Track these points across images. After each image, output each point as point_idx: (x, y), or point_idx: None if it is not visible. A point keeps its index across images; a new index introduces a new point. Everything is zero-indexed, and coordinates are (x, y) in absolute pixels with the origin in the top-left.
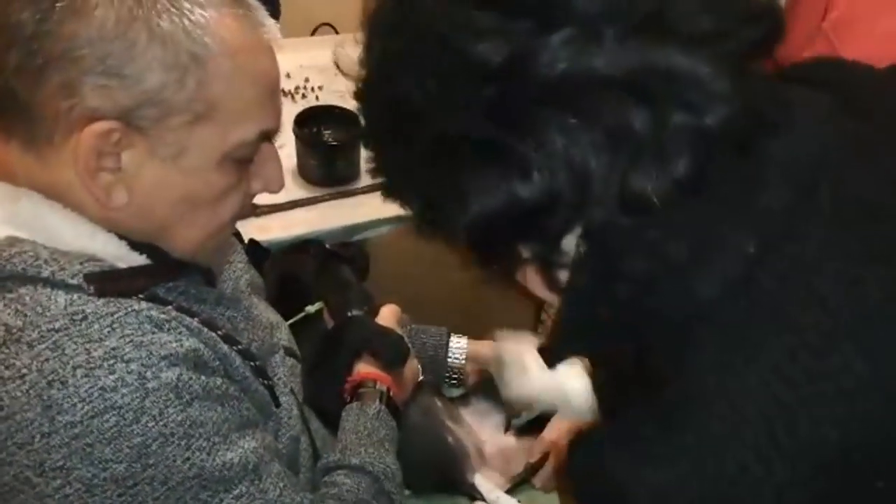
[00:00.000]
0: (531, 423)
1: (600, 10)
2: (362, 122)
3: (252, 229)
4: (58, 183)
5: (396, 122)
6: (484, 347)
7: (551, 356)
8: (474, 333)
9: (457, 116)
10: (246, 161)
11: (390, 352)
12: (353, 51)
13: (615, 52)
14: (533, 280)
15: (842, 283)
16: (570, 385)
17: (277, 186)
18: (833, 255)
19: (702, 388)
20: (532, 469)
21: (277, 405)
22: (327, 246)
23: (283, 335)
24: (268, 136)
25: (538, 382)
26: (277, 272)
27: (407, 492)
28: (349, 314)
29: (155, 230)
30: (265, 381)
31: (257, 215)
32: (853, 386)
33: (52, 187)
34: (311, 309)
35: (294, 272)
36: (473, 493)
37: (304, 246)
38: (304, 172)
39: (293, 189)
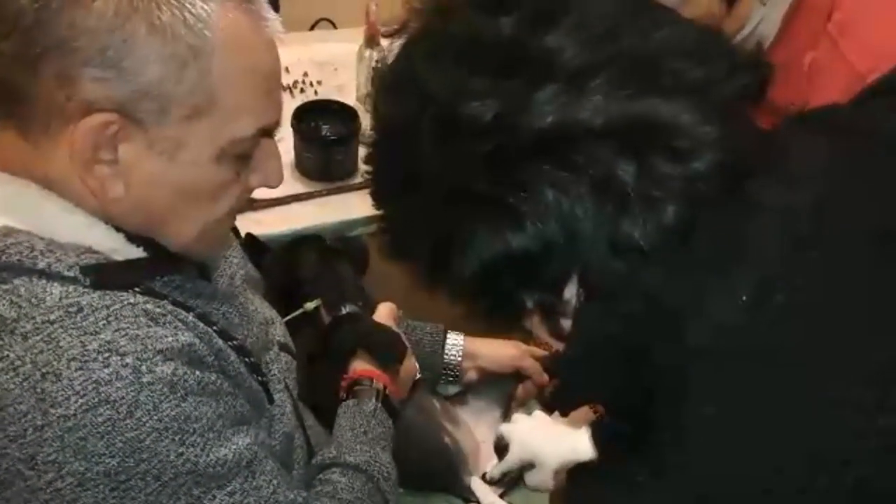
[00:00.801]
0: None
1: (585, 63)
2: (372, 181)
3: (249, 223)
4: (54, 173)
5: (401, 180)
6: (480, 345)
7: (561, 406)
8: (470, 330)
9: (456, 171)
10: (245, 156)
11: (387, 350)
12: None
13: (601, 104)
14: (539, 328)
15: (849, 326)
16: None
17: (277, 182)
18: (825, 306)
19: (692, 438)
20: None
21: (271, 402)
22: (327, 242)
23: (279, 331)
24: (268, 131)
25: (552, 474)
26: (277, 269)
27: (401, 491)
28: (343, 309)
29: (151, 223)
30: (259, 378)
31: (254, 209)
32: (855, 434)
33: (48, 178)
34: (309, 306)
35: (293, 270)
36: (469, 496)
37: (302, 242)
38: (301, 167)
39: (291, 183)
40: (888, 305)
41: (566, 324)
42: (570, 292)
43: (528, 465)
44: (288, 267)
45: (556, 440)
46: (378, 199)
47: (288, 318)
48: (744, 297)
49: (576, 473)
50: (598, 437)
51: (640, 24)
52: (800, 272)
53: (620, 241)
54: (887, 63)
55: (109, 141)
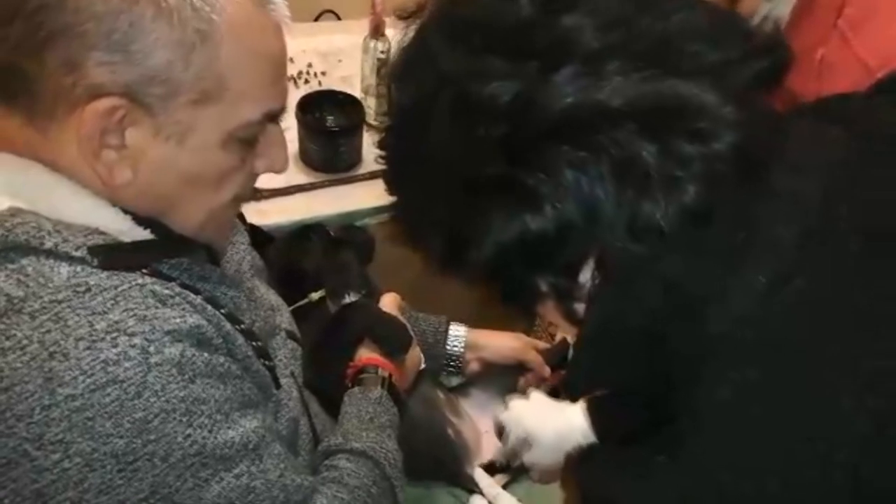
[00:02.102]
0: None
1: (603, 45)
2: (386, 166)
3: (253, 213)
4: (61, 159)
5: (417, 164)
6: (483, 336)
7: (572, 391)
8: (473, 322)
9: (472, 156)
10: (251, 141)
11: (393, 339)
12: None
13: (620, 85)
14: (552, 313)
15: (850, 322)
16: (578, 432)
17: (282, 167)
18: (843, 292)
19: (707, 423)
20: None
21: (278, 387)
22: (331, 232)
23: (285, 318)
24: (273, 116)
25: (549, 452)
26: (281, 260)
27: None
28: (348, 297)
29: (159, 208)
30: (266, 362)
31: (258, 199)
32: (865, 429)
33: (55, 163)
34: (314, 296)
35: (298, 260)
36: (472, 487)
37: (307, 232)
38: (306, 158)
39: (295, 174)
40: (884, 302)
41: (580, 308)
42: (586, 276)
43: (527, 444)
44: (292, 257)
45: (551, 416)
46: (391, 185)
47: (293, 307)
48: (762, 281)
49: (584, 457)
50: (597, 414)
51: (656, 7)
52: (810, 263)
53: (640, 224)
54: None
55: (116, 126)
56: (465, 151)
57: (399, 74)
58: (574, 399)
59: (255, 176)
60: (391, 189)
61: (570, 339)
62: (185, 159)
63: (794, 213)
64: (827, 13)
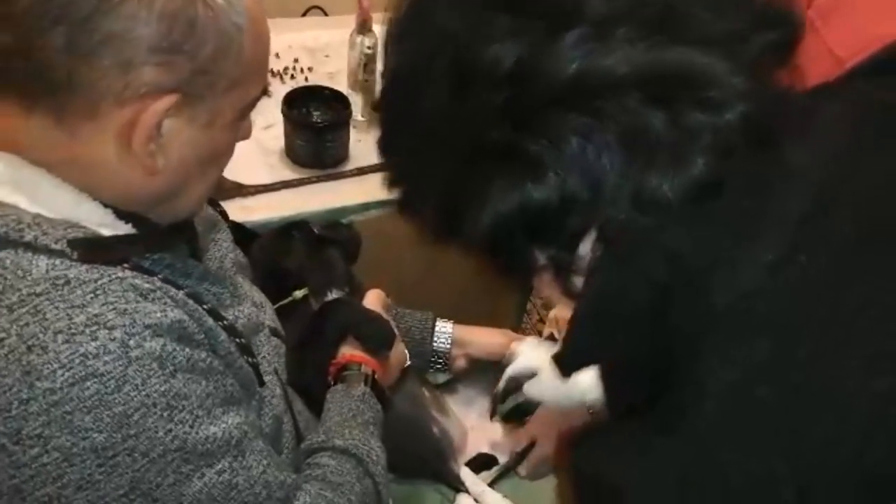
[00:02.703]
0: (516, 409)
1: (611, 11)
2: (381, 130)
3: (239, 210)
4: (84, 155)
5: (413, 129)
6: (469, 333)
7: (565, 366)
8: (459, 318)
9: (473, 120)
10: (245, 117)
11: (376, 336)
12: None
13: (628, 52)
14: (549, 286)
15: (854, 303)
16: (583, 384)
17: (250, 134)
18: (849, 272)
19: (712, 403)
20: (518, 457)
21: (261, 384)
22: (315, 230)
23: (268, 315)
24: (265, 91)
25: (552, 387)
26: (265, 258)
27: (390, 476)
28: (329, 294)
29: (172, 191)
30: (249, 359)
31: (243, 196)
32: (863, 407)
33: (72, 158)
34: (298, 294)
35: (281, 259)
36: (458, 485)
37: (290, 232)
38: (292, 153)
39: (281, 170)
40: (883, 291)
41: (578, 282)
42: (586, 248)
43: (530, 375)
44: (275, 255)
45: None
46: (386, 149)
47: (277, 305)
48: (769, 256)
49: (578, 437)
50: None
51: None
52: (813, 241)
53: (646, 195)
54: (866, 50)
55: (164, 118)
56: (465, 117)
57: (395, 33)
58: (567, 374)
59: None
60: (386, 154)
61: (562, 315)
62: (207, 141)
63: (804, 189)
64: (797, 2)
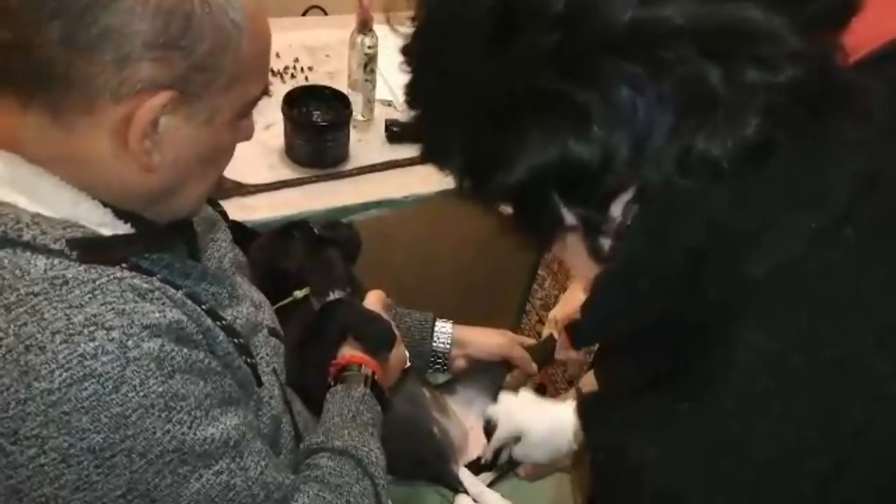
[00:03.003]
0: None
1: None
2: (409, 78)
3: (238, 209)
4: (80, 151)
5: (448, 73)
6: (469, 333)
7: (580, 336)
8: (459, 319)
9: (516, 65)
10: (246, 116)
11: (377, 337)
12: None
13: (686, 2)
14: (573, 247)
15: (889, 287)
16: (569, 432)
17: (252, 135)
18: (890, 250)
19: (742, 371)
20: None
21: (259, 384)
22: (315, 230)
23: (267, 315)
24: (265, 91)
25: (539, 446)
26: (264, 259)
27: (389, 477)
28: (331, 295)
29: (170, 189)
30: (248, 360)
31: (243, 195)
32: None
33: (69, 155)
34: (298, 294)
35: (280, 259)
36: (457, 486)
37: (289, 232)
38: (292, 153)
39: (281, 169)
40: None
41: (605, 244)
42: (618, 209)
43: (516, 439)
44: (274, 256)
45: (542, 411)
46: (413, 95)
47: (277, 305)
48: (812, 226)
49: (593, 408)
50: (602, 370)
51: None
52: (861, 215)
53: (694, 156)
54: (872, 43)
55: (160, 115)
56: (508, 61)
57: None
58: (579, 347)
59: None
60: (412, 100)
61: (561, 315)
62: (206, 139)
63: (855, 162)
64: None
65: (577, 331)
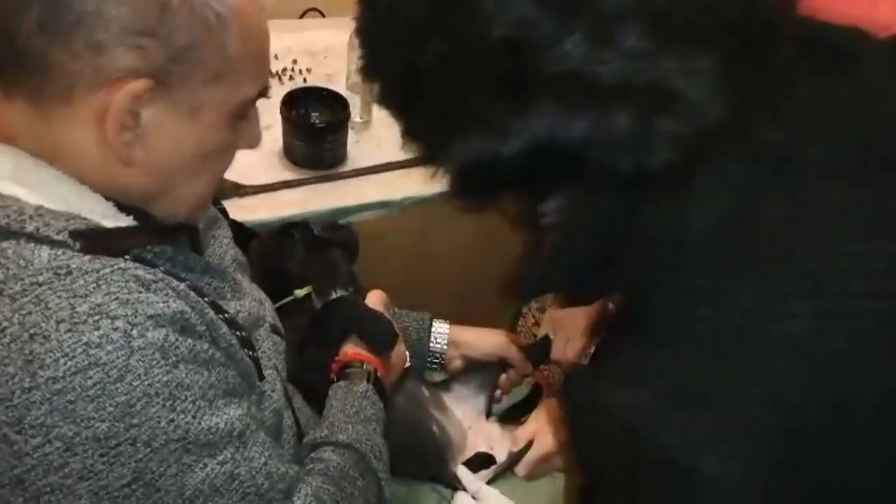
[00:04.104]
0: (512, 409)
1: (620, 6)
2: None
3: (237, 210)
4: (65, 142)
5: (406, 82)
6: (465, 334)
7: (525, 289)
8: (456, 319)
9: (460, 81)
10: (244, 117)
11: (380, 336)
12: None
13: (623, 63)
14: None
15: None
16: None
17: (258, 143)
18: (841, 218)
19: (684, 313)
20: (515, 457)
21: (261, 378)
22: (315, 231)
23: (269, 312)
24: (263, 93)
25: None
26: (264, 260)
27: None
28: (334, 293)
29: (161, 188)
30: (250, 353)
31: (242, 196)
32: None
33: (55, 147)
34: (299, 293)
35: (280, 260)
36: (456, 484)
37: (289, 232)
38: (290, 154)
39: (279, 170)
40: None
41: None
42: (552, 206)
43: None
44: (274, 255)
45: None
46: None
47: (278, 304)
48: (753, 187)
49: (568, 379)
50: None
51: None
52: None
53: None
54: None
55: (138, 107)
56: (455, 76)
57: None
58: (525, 299)
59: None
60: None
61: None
62: (194, 137)
63: (827, 128)
64: None
65: (520, 286)
